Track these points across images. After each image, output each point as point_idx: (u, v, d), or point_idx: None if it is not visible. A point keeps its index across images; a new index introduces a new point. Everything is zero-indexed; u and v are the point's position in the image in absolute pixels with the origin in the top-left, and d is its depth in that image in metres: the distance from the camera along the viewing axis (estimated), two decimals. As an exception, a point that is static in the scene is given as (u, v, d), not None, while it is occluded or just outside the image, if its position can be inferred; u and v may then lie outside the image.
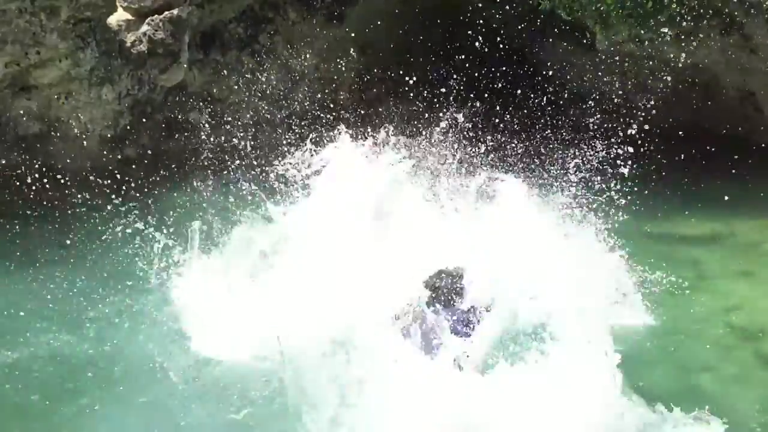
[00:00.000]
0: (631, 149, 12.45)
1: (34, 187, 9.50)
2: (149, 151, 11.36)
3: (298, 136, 12.72)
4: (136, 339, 5.01)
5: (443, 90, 14.83)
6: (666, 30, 10.14)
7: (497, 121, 14.91)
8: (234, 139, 12.49)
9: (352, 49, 13.37)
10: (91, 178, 10.25)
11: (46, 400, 4.35)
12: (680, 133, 12.99)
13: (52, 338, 5.05)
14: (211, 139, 12.24)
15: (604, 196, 8.68)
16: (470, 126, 14.29)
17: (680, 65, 11.09)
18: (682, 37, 10.27)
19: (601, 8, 9.74)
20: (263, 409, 4.59)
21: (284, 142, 12.54)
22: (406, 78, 14.02)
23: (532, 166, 10.73)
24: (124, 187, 9.69)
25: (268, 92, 12.80)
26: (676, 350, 4.74)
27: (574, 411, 4.16)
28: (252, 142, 12.49)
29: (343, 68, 13.36)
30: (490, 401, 4.33)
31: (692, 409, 4.13)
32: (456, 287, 5.16)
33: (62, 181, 9.92)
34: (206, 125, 12.18)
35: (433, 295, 5.18)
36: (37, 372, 4.67)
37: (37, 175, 9.85)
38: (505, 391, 4.37)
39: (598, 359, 4.35)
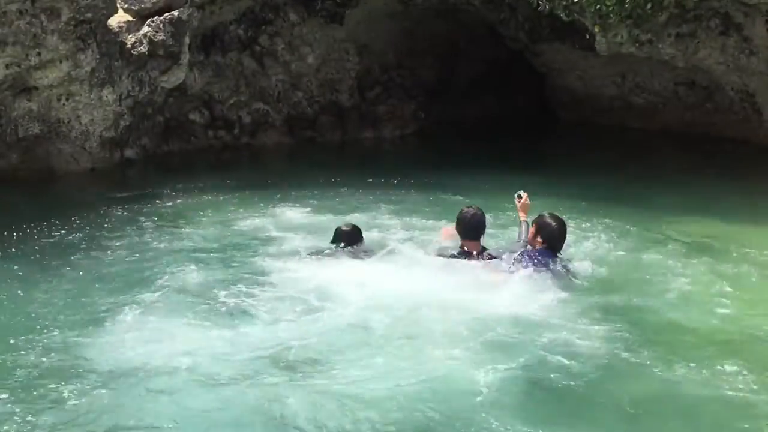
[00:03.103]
0: (629, 150, 12.53)
1: (35, 188, 9.55)
2: (150, 153, 11.38)
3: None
4: (133, 341, 4.98)
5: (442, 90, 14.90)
6: (665, 31, 10.16)
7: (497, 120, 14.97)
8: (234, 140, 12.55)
9: (351, 51, 13.41)
10: (92, 179, 10.30)
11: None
12: (680, 134, 13.05)
13: (52, 338, 5.04)
14: (212, 140, 12.29)
15: (603, 196, 8.69)
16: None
17: (680, 66, 11.13)
18: (682, 38, 10.29)
19: (601, 10, 9.75)
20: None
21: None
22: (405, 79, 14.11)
23: (534, 165, 10.78)
24: (124, 189, 9.72)
25: (268, 93, 12.84)
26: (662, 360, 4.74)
27: None
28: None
29: (343, 69, 13.39)
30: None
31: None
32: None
33: (63, 182, 9.99)
34: (206, 126, 12.21)
35: None
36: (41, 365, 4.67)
37: (37, 176, 9.92)
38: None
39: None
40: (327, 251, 6.17)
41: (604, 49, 10.43)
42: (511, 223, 7.47)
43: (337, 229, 6.29)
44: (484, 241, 6.05)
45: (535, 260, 5.62)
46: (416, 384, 4.40)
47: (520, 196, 6.22)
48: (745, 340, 5.01)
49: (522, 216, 6.15)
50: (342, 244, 6.16)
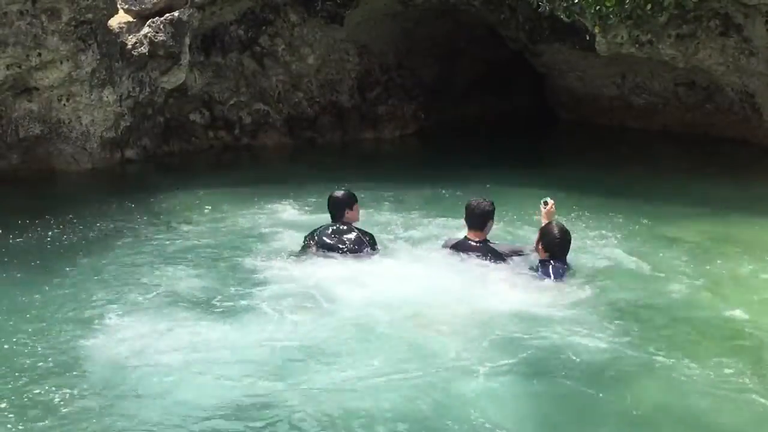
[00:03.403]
0: (629, 150, 12.54)
1: (35, 189, 9.55)
2: (150, 153, 11.38)
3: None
4: (130, 342, 4.98)
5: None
6: (665, 32, 10.17)
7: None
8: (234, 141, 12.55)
9: (351, 51, 13.41)
10: (92, 179, 10.30)
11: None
12: (679, 134, 13.06)
13: (49, 339, 5.04)
14: (212, 141, 12.29)
15: (604, 196, 8.71)
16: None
17: (680, 67, 11.13)
18: (682, 39, 10.29)
19: (601, 10, 9.75)
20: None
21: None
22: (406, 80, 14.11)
23: (534, 165, 10.79)
24: (124, 189, 9.72)
25: (268, 94, 12.83)
26: (668, 362, 4.73)
27: None
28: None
29: (343, 69, 13.39)
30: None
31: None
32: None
33: (63, 182, 9.99)
34: (207, 127, 12.21)
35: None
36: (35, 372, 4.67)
37: (38, 177, 9.93)
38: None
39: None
40: (312, 247, 6.15)
41: (604, 50, 10.44)
42: (512, 222, 7.52)
43: (330, 196, 6.39)
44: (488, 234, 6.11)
45: (541, 271, 5.71)
46: (417, 383, 4.40)
47: (546, 203, 6.20)
48: (751, 341, 5.01)
49: (545, 222, 6.15)
50: (337, 225, 6.23)
